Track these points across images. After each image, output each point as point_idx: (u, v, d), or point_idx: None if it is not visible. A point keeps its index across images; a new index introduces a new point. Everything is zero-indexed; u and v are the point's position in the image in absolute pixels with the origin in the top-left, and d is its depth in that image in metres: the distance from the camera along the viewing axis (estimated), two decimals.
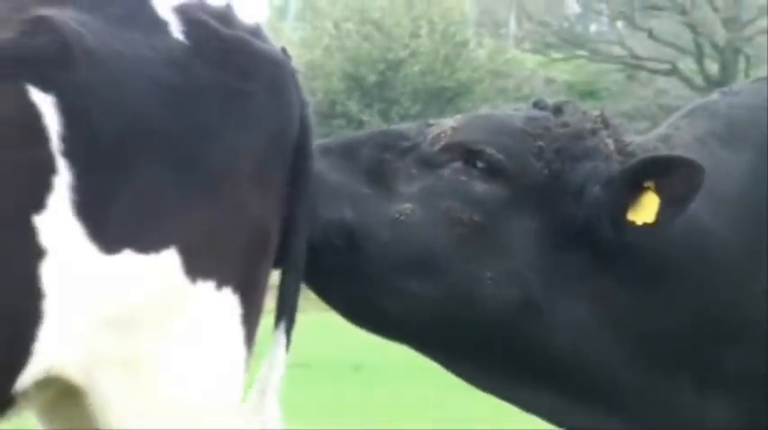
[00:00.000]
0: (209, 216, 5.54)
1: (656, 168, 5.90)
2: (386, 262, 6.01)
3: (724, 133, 6.20)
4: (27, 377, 5.31)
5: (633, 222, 5.87)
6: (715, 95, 6.96)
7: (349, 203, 6.00)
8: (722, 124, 6.28)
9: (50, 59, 5.42)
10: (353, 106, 38.81)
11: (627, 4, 55.69)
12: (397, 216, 5.97)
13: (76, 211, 5.34)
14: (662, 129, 6.34)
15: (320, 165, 5.94)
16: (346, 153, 6.16)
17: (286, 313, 5.85)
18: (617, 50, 55.14)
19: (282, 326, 5.85)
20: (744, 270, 6.02)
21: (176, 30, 5.66)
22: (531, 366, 6.15)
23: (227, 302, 5.57)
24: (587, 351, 6.08)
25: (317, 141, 6.08)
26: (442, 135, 6.11)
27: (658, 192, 5.88)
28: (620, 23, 57.24)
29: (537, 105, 6.24)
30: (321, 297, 6.16)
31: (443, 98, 44.53)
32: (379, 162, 6.12)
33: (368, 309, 6.15)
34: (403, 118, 37.37)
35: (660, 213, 5.86)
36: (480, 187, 5.99)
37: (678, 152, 6.01)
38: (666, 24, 54.94)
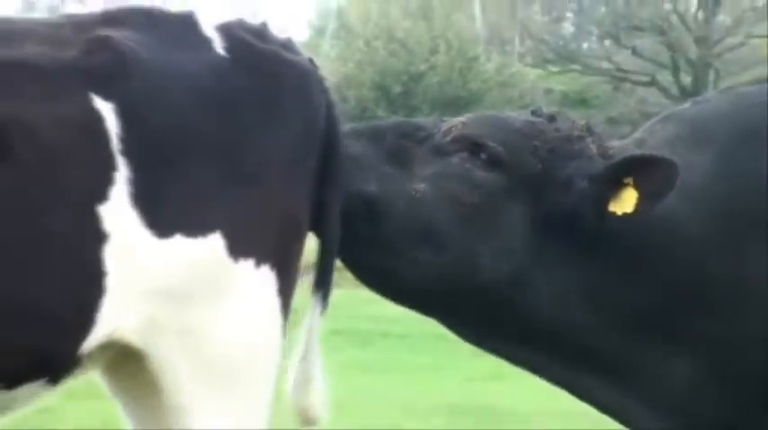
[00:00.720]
0: (247, 204, 5.56)
1: (635, 166, 5.92)
2: (400, 231, 6.03)
3: (691, 136, 6.21)
4: (91, 341, 5.31)
5: (614, 212, 5.91)
6: (687, 104, 7.06)
7: (373, 179, 6.04)
8: (690, 128, 6.29)
9: (110, 72, 5.44)
10: (381, 112, 39.22)
11: (613, 26, 56.49)
12: (413, 193, 6.02)
13: (133, 202, 5.34)
14: (638, 133, 6.35)
15: (350, 145, 6.00)
16: (373, 136, 6.20)
17: (322, 284, 5.86)
18: (605, 65, 55.96)
19: (319, 295, 5.87)
20: (705, 250, 6.01)
21: (219, 46, 5.68)
22: (520, 330, 6.19)
23: (264, 277, 5.58)
24: (567, 319, 6.10)
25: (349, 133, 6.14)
26: (453, 128, 6.15)
27: (637, 187, 5.90)
28: (607, 42, 57.87)
29: (534, 113, 6.32)
30: (348, 267, 6.17)
31: (458, 105, 44.97)
32: (399, 147, 6.17)
33: (386, 276, 6.18)
34: None
35: (638, 205, 5.88)
36: (481, 174, 6.04)
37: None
38: (647, 43, 55.83)
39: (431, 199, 6.04)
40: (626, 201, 5.90)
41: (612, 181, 5.92)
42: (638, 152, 6.07)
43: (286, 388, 5.90)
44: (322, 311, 5.88)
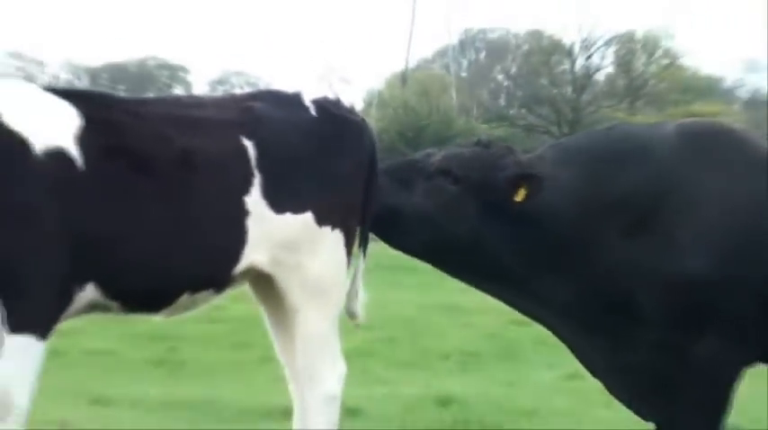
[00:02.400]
0: (326, 197, 5.54)
1: (522, 177, 5.83)
2: (408, 221, 5.96)
3: (563, 158, 6.01)
4: (238, 268, 5.36)
5: (515, 201, 5.81)
6: (564, 139, 7.07)
7: (394, 195, 5.94)
8: (564, 152, 6.08)
9: (251, 125, 5.46)
10: (401, 147, 38.47)
11: (526, 101, 55.14)
12: (414, 201, 5.97)
13: (263, 195, 5.39)
14: (538, 152, 6.09)
15: (382, 177, 5.90)
16: (392, 172, 6.04)
17: (364, 244, 5.80)
18: (521, 122, 54.16)
19: (362, 250, 5.79)
20: (570, 221, 5.80)
21: (312, 110, 5.68)
22: (476, 267, 6.05)
23: (336, 237, 5.57)
24: (500, 260, 5.93)
25: (382, 163, 6.06)
26: (435, 161, 6.04)
27: (526, 188, 5.80)
28: (523, 109, 56.15)
29: (478, 143, 6.17)
30: (382, 239, 6.07)
31: (442, 143, 44.17)
32: (406, 176, 6.04)
33: (403, 243, 6.08)
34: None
35: (525, 198, 5.79)
36: (451, 187, 5.93)
37: (537, 169, 5.91)
38: (544, 110, 54.04)
39: (423, 203, 5.97)
40: (520, 195, 5.80)
41: (513, 184, 5.83)
42: (526, 170, 5.91)
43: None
44: (363, 259, 5.84)
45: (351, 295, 5.81)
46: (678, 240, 5.66)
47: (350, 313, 5.81)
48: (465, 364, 11.72)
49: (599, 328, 5.87)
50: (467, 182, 5.97)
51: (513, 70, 59.46)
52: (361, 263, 5.82)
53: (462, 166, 6.04)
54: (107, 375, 10.22)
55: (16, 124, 4.87)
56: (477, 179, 5.96)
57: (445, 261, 6.20)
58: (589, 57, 54.90)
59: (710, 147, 5.89)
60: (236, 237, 5.36)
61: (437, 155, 6.19)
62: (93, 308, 5.14)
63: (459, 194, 5.99)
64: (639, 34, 54.52)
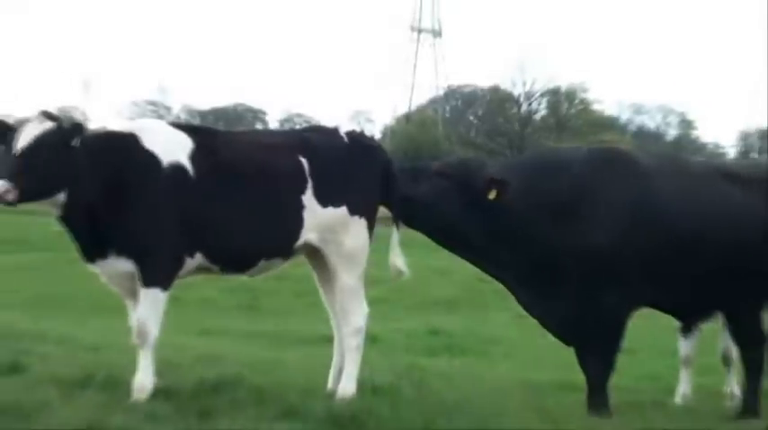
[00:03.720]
0: (355, 197, 5.31)
1: (493, 181, 5.58)
2: (417, 207, 5.63)
3: (513, 170, 5.74)
4: (298, 243, 5.21)
5: (488, 198, 5.57)
6: (513, 158, 6.93)
7: (407, 188, 5.59)
8: (514, 167, 5.85)
9: (306, 148, 5.26)
10: (406, 162, 37.90)
11: (487, 135, 54.26)
12: (422, 193, 5.66)
13: (313, 194, 5.22)
14: (494, 168, 5.78)
15: (400, 177, 5.61)
16: (406, 173, 5.72)
17: (397, 224, 5.49)
18: (485, 147, 52.76)
19: (396, 228, 5.48)
20: (520, 210, 5.58)
21: (345, 139, 5.47)
22: (458, 241, 5.77)
23: (363, 222, 5.35)
24: (473, 236, 5.68)
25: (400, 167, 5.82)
26: (435, 167, 5.80)
27: (497, 189, 5.57)
28: (486, 139, 55.25)
29: (460, 158, 6.22)
30: (405, 223, 5.72)
31: (434, 158, 43.26)
32: (415, 177, 5.75)
33: (414, 222, 5.70)
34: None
35: (496, 196, 5.55)
36: (442, 183, 5.67)
37: (502, 175, 5.66)
38: (503, 140, 53.02)
39: (425, 194, 5.68)
40: (492, 194, 5.57)
41: (488, 186, 5.59)
42: (497, 177, 5.62)
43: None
44: (397, 232, 5.52)
45: (394, 258, 5.55)
46: (588, 225, 5.54)
47: (397, 271, 5.56)
48: (448, 308, 11.78)
49: (537, 284, 5.68)
50: (454, 181, 5.72)
51: (480, 113, 59.12)
52: (395, 236, 5.57)
53: (451, 169, 5.82)
54: (210, 315, 10.27)
55: (151, 146, 4.89)
56: (462, 180, 5.71)
57: (438, 235, 5.89)
58: (530, 104, 54.90)
59: (611, 163, 5.80)
60: (297, 223, 5.22)
61: (436, 163, 6.02)
62: (200, 270, 5.09)
63: (448, 190, 5.71)
64: (563, 88, 54.32)
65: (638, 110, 60.03)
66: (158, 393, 4.77)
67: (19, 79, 71.65)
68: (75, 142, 4.63)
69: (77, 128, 4.64)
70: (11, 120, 4.66)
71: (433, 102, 60.57)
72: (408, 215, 5.59)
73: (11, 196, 4.43)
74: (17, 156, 4.50)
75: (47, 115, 4.66)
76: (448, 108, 61.79)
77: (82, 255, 4.88)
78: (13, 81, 66.00)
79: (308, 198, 5.24)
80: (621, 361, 5.74)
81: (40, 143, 4.53)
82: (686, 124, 60.26)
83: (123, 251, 4.80)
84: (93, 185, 4.69)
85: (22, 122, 4.62)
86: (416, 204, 5.65)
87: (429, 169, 5.87)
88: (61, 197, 4.65)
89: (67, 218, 4.73)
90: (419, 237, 5.91)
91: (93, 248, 4.81)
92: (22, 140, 4.53)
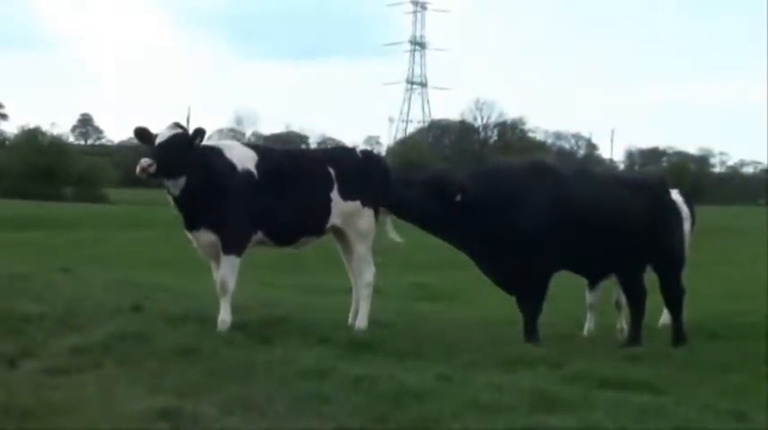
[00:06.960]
0: (366, 195, 5.07)
1: (452, 184, 5.16)
2: (408, 204, 5.32)
3: (472, 178, 5.41)
4: (327, 225, 5.11)
5: (457, 198, 5.23)
6: (471, 169, 6.41)
7: (401, 191, 5.31)
8: (472, 176, 5.48)
9: (333, 161, 5.14)
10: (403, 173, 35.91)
11: (458, 155, 52.53)
12: (412, 194, 5.33)
13: (338, 192, 5.12)
14: (462, 175, 5.33)
15: (396, 183, 5.34)
16: (401, 181, 5.42)
17: (390, 213, 5.32)
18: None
19: (388, 217, 5.35)
20: (474, 209, 5.25)
21: (359, 154, 5.38)
22: (439, 227, 5.39)
23: (371, 211, 5.23)
24: (449, 224, 5.32)
25: (396, 175, 5.51)
26: (423, 176, 5.55)
27: (461, 192, 5.24)
28: (456, 157, 54.25)
29: (440, 170, 5.75)
30: (393, 213, 5.39)
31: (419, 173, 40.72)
32: (408, 181, 5.44)
33: (406, 215, 5.38)
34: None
35: (461, 197, 5.22)
36: (425, 188, 5.34)
37: (467, 181, 5.33)
38: (467, 157, 51.60)
39: (415, 195, 5.34)
40: (458, 196, 5.24)
41: (457, 190, 5.27)
42: (462, 183, 5.26)
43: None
44: (389, 217, 5.37)
45: (389, 232, 5.42)
46: (525, 214, 5.33)
47: (393, 240, 5.41)
48: (428, 269, 11.75)
49: (489, 253, 5.38)
50: (433, 187, 5.39)
51: (452, 138, 59.12)
52: (389, 221, 5.45)
53: (433, 179, 5.51)
54: (269, 273, 10.28)
55: (231, 158, 4.87)
56: (438, 185, 5.38)
57: (421, 224, 5.50)
58: (486, 132, 55.54)
59: (541, 171, 5.54)
60: (326, 211, 5.12)
61: (423, 173, 5.85)
62: (260, 243, 5.02)
63: (431, 189, 5.35)
64: (509, 121, 55.00)
65: (559, 136, 60.62)
66: (234, 326, 4.78)
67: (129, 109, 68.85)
68: (198, 143, 4.65)
69: (200, 132, 4.65)
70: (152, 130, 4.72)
71: (421, 131, 60.98)
72: (400, 209, 5.41)
73: (153, 169, 4.46)
74: (157, 146, 4.57)
75: (177, 125, 4.73)
76: (431, 135, 61.81)
77: (185, 225, 4.83)
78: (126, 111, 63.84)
79: (335, 194, 5.16)
80: (546, 305, 5.56)
81: (173, 139, 4.59)
82: (591, 146, 61.07)
83: (212, 227, 4.78)
84: (200, 178, 4.67)
85: (162, 130, 4.68)
86: (406, 201, 5.43)
87: (416, 178, 5.61)
88: (182, 181, 4.64)
89: (181, 197, 4.68)
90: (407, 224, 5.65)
91: (193, 221, 4.79)
92: (161, 137, 4.60)
